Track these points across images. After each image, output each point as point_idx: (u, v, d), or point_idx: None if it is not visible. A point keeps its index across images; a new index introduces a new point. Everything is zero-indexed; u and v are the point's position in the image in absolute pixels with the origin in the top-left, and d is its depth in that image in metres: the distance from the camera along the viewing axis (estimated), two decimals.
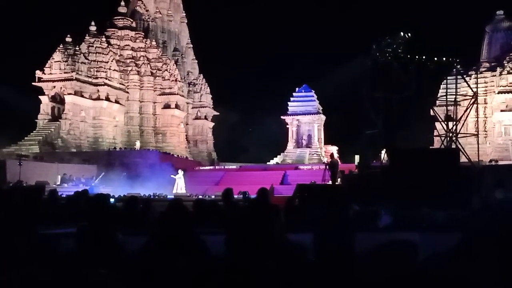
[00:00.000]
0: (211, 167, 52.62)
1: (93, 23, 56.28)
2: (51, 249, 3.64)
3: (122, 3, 60.93)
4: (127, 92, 57.04)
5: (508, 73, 51.36)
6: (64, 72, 50.91)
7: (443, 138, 28.47)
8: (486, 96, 53.21)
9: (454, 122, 28.70)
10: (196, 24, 70.47)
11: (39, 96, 52.00)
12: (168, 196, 28.74)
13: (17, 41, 71.12)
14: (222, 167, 52.27)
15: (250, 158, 59.41)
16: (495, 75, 52.96)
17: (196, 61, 69.96)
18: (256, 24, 78.67)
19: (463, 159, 22.45)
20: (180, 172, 35.03)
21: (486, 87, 53.33)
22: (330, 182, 24.26)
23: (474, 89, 30.91)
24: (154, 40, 61.55)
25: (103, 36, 56.74)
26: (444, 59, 27.03)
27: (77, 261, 3.45)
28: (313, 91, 63.45)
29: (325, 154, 57.54)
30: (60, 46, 51.93)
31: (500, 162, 38.36)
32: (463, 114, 29.21)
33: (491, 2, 57.70)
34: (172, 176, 34.82)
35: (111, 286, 2.82)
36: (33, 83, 51.38)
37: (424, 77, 26.84)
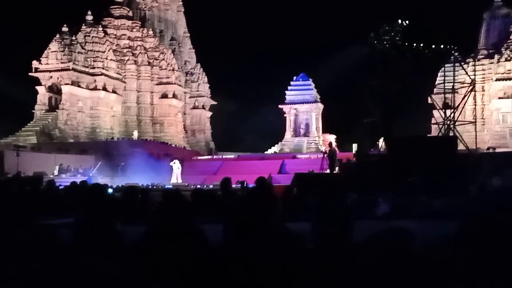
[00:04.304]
0: (209, 157, 52.63)
1: (89, 12, 55.87)
2: (49, 240, 3.64)
3: None
4: (124, 82, 56.81)
5: (506, 60, 51.20)
6: (61, 62, 50.66)
7: (440, 126, 28.55)
8: (484, 83, 53.14)
9: (452, 110, 28.77)
10: (193, 13, 70.05)
11: (36, 87, 51.76)
12: (166, 186, 28.77)
13: (13, 32, 70.71)
14: (220, 156, 52.31)
15: (248, 147, 59.36)
16: (493, 62, 52.85)
17: (194, 50, 69.56)
18: (252, 13, 78.20)
19: (460, 146, 22.54)
20: (177, 162, 34.95)
21: (484, 74, 53.24)
22: (328, 171, 24.31)
23: (472, 77, 30.92)
24: (151, 30, 61.19)
25: (100, 26, 56.32)
26: (441, 46, 26.98)
27: (75, 252, 3.45)
28: (311, 80, 63.25)
29: (323, 143, 57.56)
30: (57, 36, 51.57)
31: (498, 150, 38.39)
32: (461, 101, 29.24)
33: None
34: (171, 163, 34.77)
35: (109, 276, 2.83)
36: (29, 74, 51.08)
37: (421, 65, 26.86)
